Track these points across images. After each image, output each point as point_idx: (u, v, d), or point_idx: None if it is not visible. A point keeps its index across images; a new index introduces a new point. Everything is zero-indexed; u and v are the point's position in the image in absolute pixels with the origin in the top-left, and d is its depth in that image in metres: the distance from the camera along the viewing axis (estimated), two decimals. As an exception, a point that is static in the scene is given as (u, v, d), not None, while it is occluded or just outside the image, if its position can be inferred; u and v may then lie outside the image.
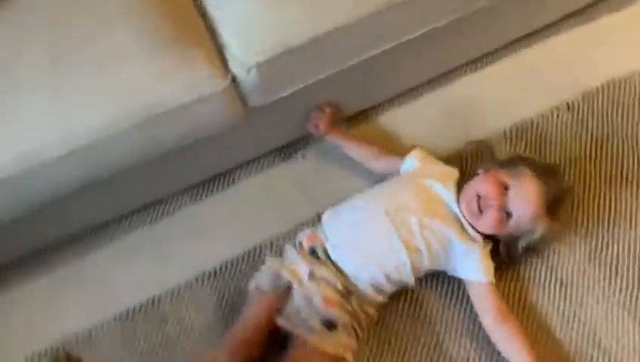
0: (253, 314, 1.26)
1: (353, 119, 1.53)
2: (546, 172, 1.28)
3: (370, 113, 1.55)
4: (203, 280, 1.40)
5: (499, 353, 1.26)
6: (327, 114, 1.43)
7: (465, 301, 1.31)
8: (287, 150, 1.52)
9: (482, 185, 1.25)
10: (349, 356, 1.22)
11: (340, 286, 1.22)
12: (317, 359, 1.19)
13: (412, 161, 1.36)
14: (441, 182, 1.29)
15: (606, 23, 1.60)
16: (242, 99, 1.23)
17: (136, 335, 1.35)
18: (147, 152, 1.21)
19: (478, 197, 1.24)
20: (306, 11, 1.15)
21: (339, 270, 1.24)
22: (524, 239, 1.26)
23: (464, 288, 1.31)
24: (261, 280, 1.29)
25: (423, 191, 1.28)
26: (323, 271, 1.23)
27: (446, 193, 1.28)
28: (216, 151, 1.40)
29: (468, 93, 1.56)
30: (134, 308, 1.38)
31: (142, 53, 1.15)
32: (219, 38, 1.19)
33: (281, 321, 1.22)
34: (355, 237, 1.26)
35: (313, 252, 1.28)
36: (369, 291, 1.24)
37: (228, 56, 1.17)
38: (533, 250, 1.30)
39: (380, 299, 1.27)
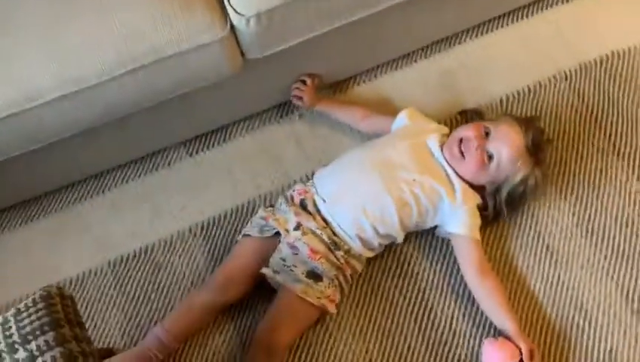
0: (238, 254, 1.30)
1: (343, 84, 1.55)
2: (525, 119, 1.32)
3: (363, 78, 1.56)
4: (196, 231, 1.43)
5: (482, 313, 1.29)
6: (308, 86, 1.45)
7: (451, 260, 1.34)
8: (284, 109, 1.54)
9: (463, 130, 1.29)
10: (332, 308, 1.25)
11: (326, 239, 1.24)
12: (300, 308, 1.22)
13: (403, 119, 1.38)
14: (430, 137, 1.31)
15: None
16: (240, 49, 1.24)
17: (129, 280, 1.39)
18: (144, 99, 1.23)
19: (460, 141, 1.27)
20: (306, -37, 1.16)
21: (327, 223, 1.27)
22: (506, 185, 1.27)
23: (451, 248, 1.33)
24: (249, 227, 1.32)
25: (413, 147, 1.30)
26: (311, 223, 1.25)
27: (436, 148, 1.30)
28: (213, 104, 1.42)
29: (466, 60, 1.56)
30: (128, 255, 1.41)
31: (142, 1, 1.16)
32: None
33: (265, 270, 1.25)
34: (344, 190, 1.28)
35: (303, 205, 1.30)
36: (357, 245, 1.26)
37: (228, 5, 1.18)
38: (518, 200, 1.31)
39: (368, 254, 1.29)
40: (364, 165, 1.29)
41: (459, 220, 1.28)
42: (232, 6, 1.17)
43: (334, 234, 1.26)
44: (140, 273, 1.40)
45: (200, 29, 1.16)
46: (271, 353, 1.21)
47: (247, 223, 1.38)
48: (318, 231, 1.25)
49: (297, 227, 1.26)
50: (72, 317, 0.89)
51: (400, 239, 1.31)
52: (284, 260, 1.25)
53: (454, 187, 1.28)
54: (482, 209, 1.32)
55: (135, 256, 1.42)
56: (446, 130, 1.37)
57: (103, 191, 1.49)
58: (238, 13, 1.17)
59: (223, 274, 1.27)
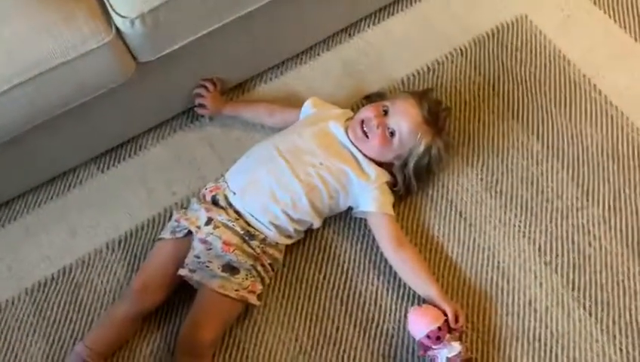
0: (153, 259, 1.28)
1: (250, 83, 1.56)
2: (419, 92, 1.37)
3: (269, 75, 1.58)
4: (113, 247, 1.40)
5: (405, 285, 1.30)
6: (210, 92, 1.46)
7: (370, 239, 1.36)
8: (193, 113, 1.53)
9: (364, 111, 1.32)
10: (253, 299, 1.24)
11: (240, 230, 1.24)
12: (221, 303, 1.21)
13: (307, 109, 1.41)
14: (335, 121, 1.33)
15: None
16: (131, 53, 1.24)
17: (48, 305, 1.35)
18: (38, 113, 1.21)
19: (362, 122, 1.30)
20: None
21: (240, 215, 1.27)
22: (412, 158, 1.31)
23: (369, 227, 1.35)
24: (163, 231, 1.31)
25: (318, 133, 1.32)
26: (222, 216, 1.25)
27: (340, 131, 1.32)
28: (117, 116, 1.41)
29: (366, 48, 1.60)
30: (46, 280, 1.38)
31: (21, 13, 1.15)
32: (100, -8, 1.21)
33: (182, 271, 1.23)
34: (253, 181, 1.28)
35: (215, 201, 1.30)
36: (272, 233, 1.26)
37: (110, 9, 1.18)
38: (425, 171, 1.34)
39: (286, 241, 1.30)
40: (271, 154, 1.30)
41: (371, 199, 1.30)
42: (114, 9, 1.17)
43: (248, 224, 1.26)
44: (59, 296, 1.36)
45: (84, 36, 1.15)
46: (195, 353, 1.19)
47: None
48: (231, 223, 1.25)
49: (209, 222, 1.25)
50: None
51: (317, 224, 1.32)
52: (198, 257, 1.24)
53: (361, 166, 1.30)
54: (393, 185, 1.34)
55: (53, 279, 1.38)
56: (350, 113, 1.40)
57: (15, 218, 1.45)
58: (122, 16, 1.17)
59: (139, 282, 1.25)
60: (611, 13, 1.60)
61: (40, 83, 1.16)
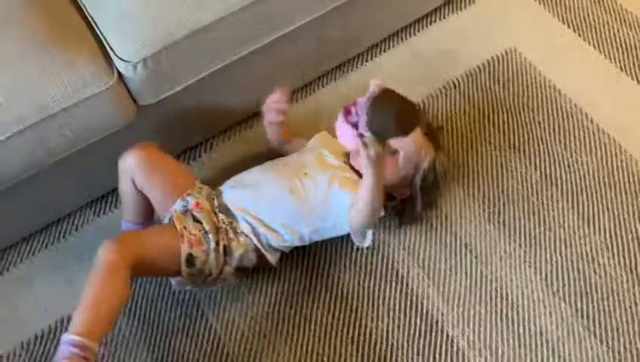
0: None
1: (254, 118, 1.56)
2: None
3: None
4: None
5: (416, 322, 1.29)
6: (284, 101, 1.36)
7: (378, 275, 1.35)
8: (192, 153, 1.52)
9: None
10: (183, 246, 1.19)
11: (215, 203, 1.27)
12: (163, 229, 1.24)
13: (313, 140, 1.42)
14: (331, 152, 1.33)
15: (479, 8, 1.73)
16: (132, 97, 1.22)
17: (46, 359, 1.29)
18: (37, 160, 1.18)
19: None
20: (186, 3, 1.18)
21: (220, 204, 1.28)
22: (418, 175, 1.31)
23: (377, 263, 1.35)
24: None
25: (312, 155, 1.33)
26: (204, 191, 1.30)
27: (335, 160, 1.32)
28: (116, 158, 1.37)
29: (361, 82, 1.62)
30: (43, 332, 1.33)
31: (22, 58, 1.13)
32: (102, 37, 1.19)
33: None
34: (242, 186, 1.30)
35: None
36: (243, 224, 1.25)
37: (112, 54, 1.17)
38: (432, 187, 1.34)
39: (250, 241, 1.26)
40: (265, 170, 1.32)
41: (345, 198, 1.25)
42: (116, 54, 1.16)
43: (226, 209, 1.26)
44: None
45: (86, 81, 1.14)
46: (113, 267, 1.13)
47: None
48: (207, 203, 1.27)
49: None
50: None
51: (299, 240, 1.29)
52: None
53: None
54: (400, 212, 1.36)
55: (50, 331, 1.33)
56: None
57: (7, 269, 1.40)
58: (124, 61, 1.16)
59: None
60: (596, 44, 1.66)
61: (41, 129, 1.13)
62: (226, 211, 1.26)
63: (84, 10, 1.22)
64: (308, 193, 1.25)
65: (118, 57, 1.16)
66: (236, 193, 1.29)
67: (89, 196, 1.45)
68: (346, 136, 1.12)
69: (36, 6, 1.18)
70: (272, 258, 1.29)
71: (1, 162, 1.13)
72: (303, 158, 1.33)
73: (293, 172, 1.29)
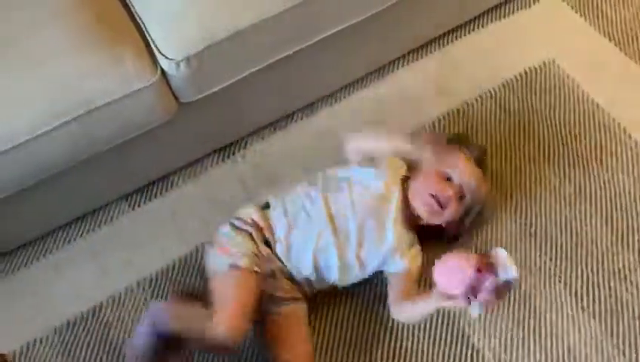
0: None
1: (283, 120, 1.57)
2: (462, 140, 1.37)
3: (300, 114, 1.59)
4: (144, 286, 1.39)
5: (446, 336, 1.29)
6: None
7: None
8: (225, 151, 1.54)
9: (430, 184, 1.26)
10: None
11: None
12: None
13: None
14: (394, 186, 1.28)
15: (519, 18, 1.72)
16: (174, 94, 1.25)
17: (77, 345, 1.33)
18: (79, 152, 1.21)
19: (432, 196, 1.25)
20: (231, 4, 1.19)
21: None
22: (474, 210, 1.29)
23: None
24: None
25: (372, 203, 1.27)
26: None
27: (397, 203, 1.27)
28: (152, 153, 1.41)
29: (399, 86, 1.62)
30: (75, 319, 1.36)
31: (71, 52, 1.16)
32: (147, 34, 1.22)
33: None
34: (297, 241, 1.26)
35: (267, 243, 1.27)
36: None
37: (157, 51, 1.20)
38: (478, 218, 1.33)
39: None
40: (322, 222, 1.25)
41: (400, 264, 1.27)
42: (160, 51, 1.19)
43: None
44: (89, 335, 1.34)
45: (130, 77, 1.16)
46: None
47: (196, 272, 1.35)
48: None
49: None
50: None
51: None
52: None
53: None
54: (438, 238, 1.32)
55: (83, 318, 1.36)
56: (396, 164, 1.33)
57: (44, 255, 1.44)
58: (168, 58, 1.18)
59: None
60: (637, 59, 1.63)
61: (85, 121, 1.16)
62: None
63: (131, 7, 1.25)
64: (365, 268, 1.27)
65: (162, 55, 1.19)
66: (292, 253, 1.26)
67: (125, 189, 1.48)
68: (457, 277, 1.08)
69: (85, 2, 1.21)
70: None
71: (46, 151, 1.17)
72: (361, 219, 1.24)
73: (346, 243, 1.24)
